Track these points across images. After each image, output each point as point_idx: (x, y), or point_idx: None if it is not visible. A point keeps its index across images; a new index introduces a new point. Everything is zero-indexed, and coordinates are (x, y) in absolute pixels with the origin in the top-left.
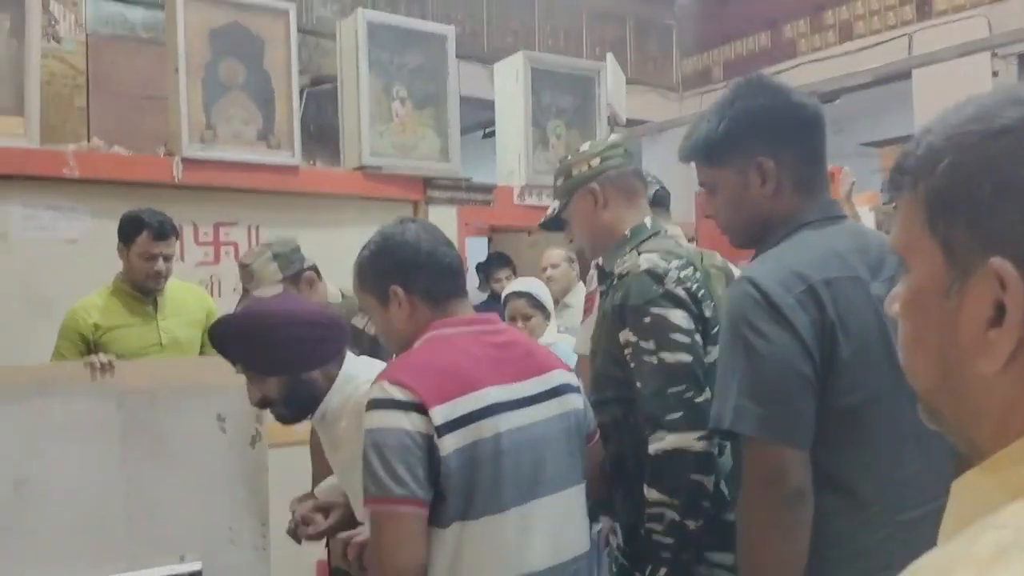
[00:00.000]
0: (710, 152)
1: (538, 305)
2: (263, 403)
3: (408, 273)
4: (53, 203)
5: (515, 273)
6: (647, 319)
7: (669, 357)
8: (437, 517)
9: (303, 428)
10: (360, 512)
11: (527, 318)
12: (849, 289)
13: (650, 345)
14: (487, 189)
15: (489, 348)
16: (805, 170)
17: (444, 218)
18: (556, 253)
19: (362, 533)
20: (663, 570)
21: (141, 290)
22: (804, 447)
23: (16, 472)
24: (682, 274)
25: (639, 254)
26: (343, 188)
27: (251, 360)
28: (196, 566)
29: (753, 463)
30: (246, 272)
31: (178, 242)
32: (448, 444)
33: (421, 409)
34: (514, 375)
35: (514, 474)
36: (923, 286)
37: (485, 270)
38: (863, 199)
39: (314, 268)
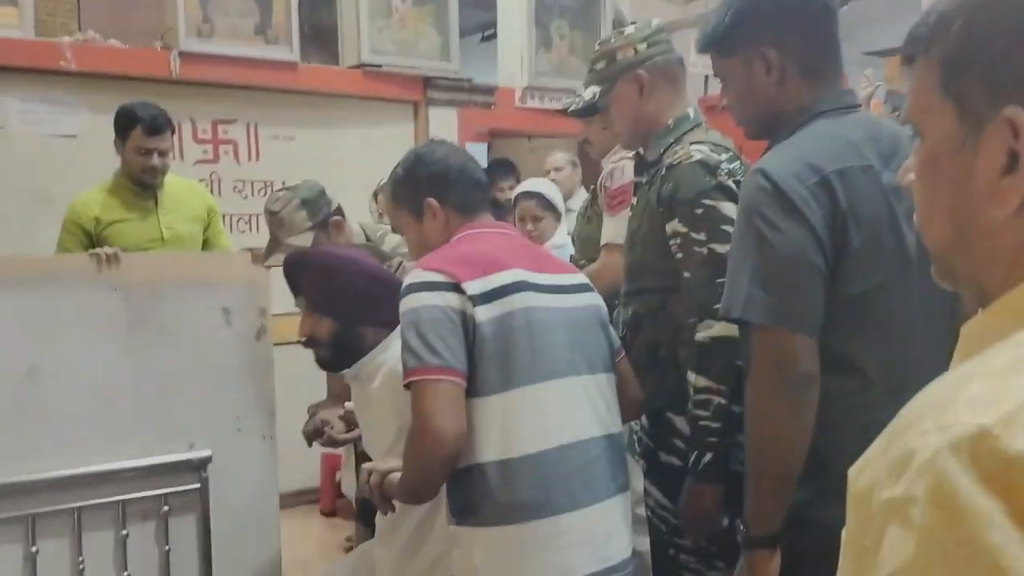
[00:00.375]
0: (718, 42)
1: (548, 206)
2: (311, 342)
3: (442, 186)
4: (50, 97)
5: (519, 181)
6: (699, 211)
7: (719, 248)
8: (479, 387)
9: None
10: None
11: (537, 220)
12: (861, 179)
13: (701, 236)
14: (488, 91)
15: (516, 244)
16: (813, 59)
17: (444, 121)
18: (560, 157)
19: (390, 463)
20: (709, 455)
21: (139, 185)
22: (813, 335)
23: (28, 359)
24: (731, 167)
25: (690, 144)
26: (342, 87)
27: (315, 296)
28: (206, 453)
29: (762, 350)
30: (275, 220)
31: (176, 139)
32: (482, 314)
33: (456, 287)
34: (541, 267)
35: (551, 348)
36: (937, 147)
37: (488, 177)
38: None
39: (339, 211)
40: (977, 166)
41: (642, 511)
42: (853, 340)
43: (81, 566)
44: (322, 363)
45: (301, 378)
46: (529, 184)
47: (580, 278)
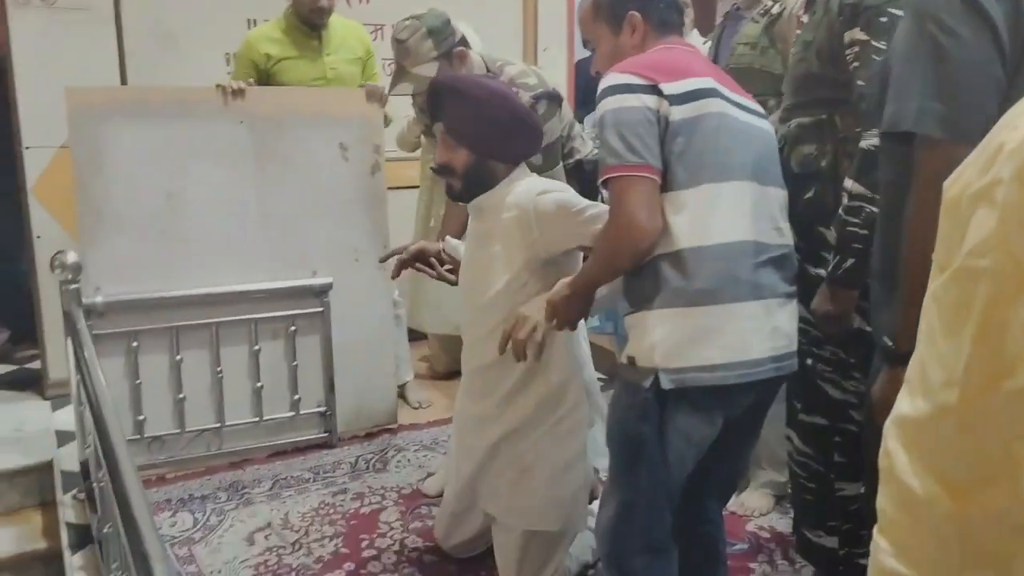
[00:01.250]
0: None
1: None
2: (443, 170)
3: (645, 1)
4: None
5: None
6: (883, 19)
7: None
8: (669, 183)
9: (414, 174)
10: (485, 306)
11: None
12: None
13: (882, 44)
14: None
15: (707, 63)
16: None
17: None
18: None
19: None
20: (851, 260)
21: (308, 24)
22: None
23: (167, 185)
24: None
25: None
26: None
27: (456, 123)
28: (328, 280)
29: (931, 164)
30: (401, 48)
31: None
32: (677, 114)
33: (654, 89)
34: (731, 87)
35: (740, 153)
36: None
37: None
38: None
39: (464, 41)
40: None
41: None
42: None
43: (220, 375)
44: (451, 192)
45: (404, 216)
46: None
47: (759, 107)
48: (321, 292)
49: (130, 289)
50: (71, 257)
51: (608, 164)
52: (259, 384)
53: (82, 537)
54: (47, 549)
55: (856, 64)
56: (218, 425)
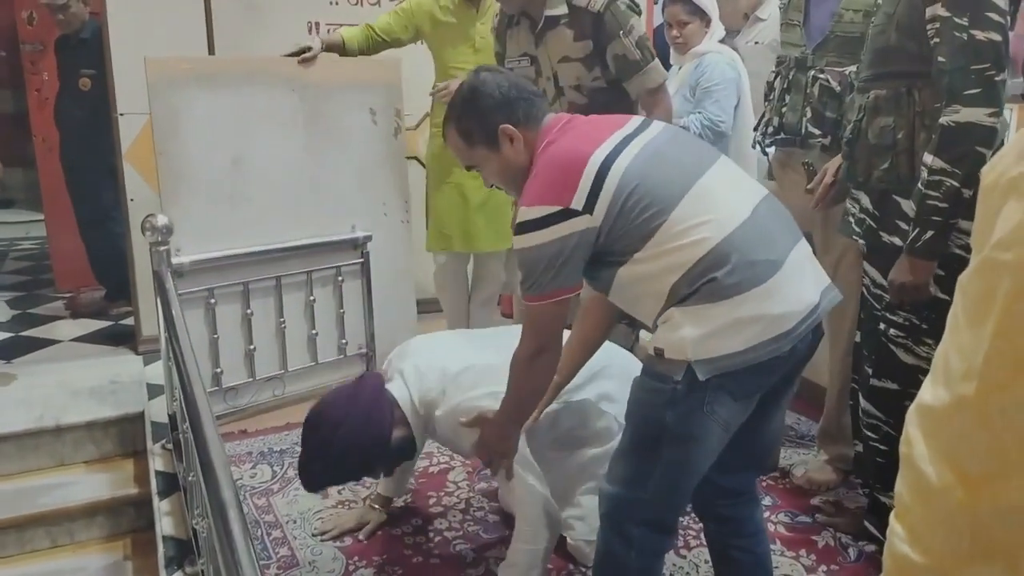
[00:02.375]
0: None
1: (695, 11)
2: None
3: (508, 109)
4: None
5: None
6: None
7: (980, 35)
8: (660, 214)
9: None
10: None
11: (683, 25)
12: None
13: (963, 21)
14: None
15: (581, 127)
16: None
17: None
18: None
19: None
20: (930, 232)
21: None
22: None
23: (233, 150)
24: None
25: None
26: None
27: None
28: (368, 232)
29: None
30: None
31: None
32: (601, 206)
33: (568, 213)
34: (607, 130)
35: (672, 169)
36: None
37: None
38: None
39: None
40: None
41: None
42: None
43: (283, 325)
44: None
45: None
46: None
47: (634, 120)
48: (362, 244)
49: (206, 249)
50: (161, 220)
51: (526, 294)
52: (314, 331)
53: (170, 484)
54: (138, 494)
55: (936, 40)
56: (282, 372)
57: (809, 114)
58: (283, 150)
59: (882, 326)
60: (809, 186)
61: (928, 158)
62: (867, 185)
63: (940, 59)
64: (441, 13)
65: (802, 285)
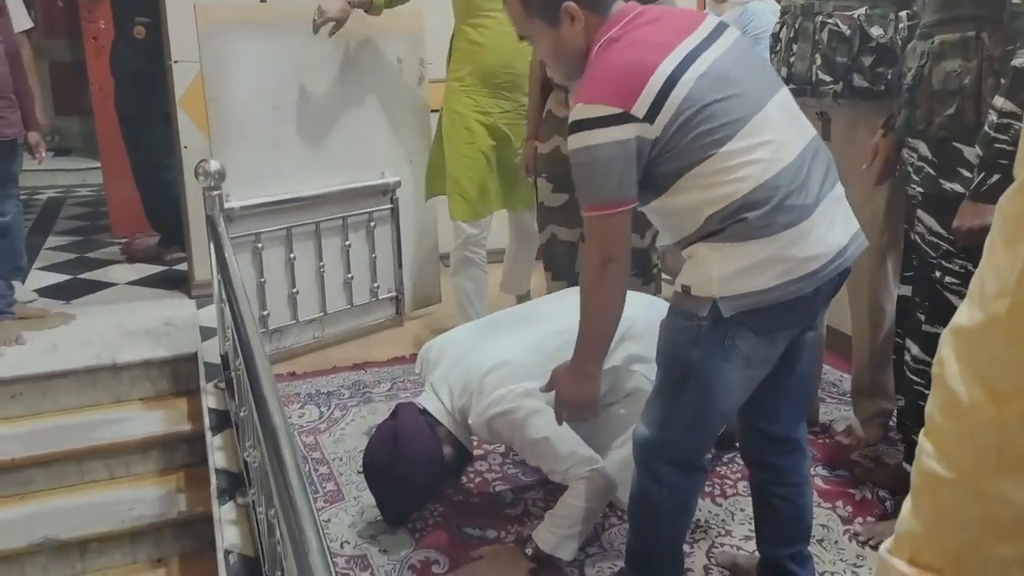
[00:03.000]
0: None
1: None
2: None
3: None
4: None
5: None
6: None
7: None
8: (716, 141)
9: (436, 100)
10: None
11: None
12: None
13: None
14: None
15: (655, 25)
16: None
17: None
18: None
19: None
20: (996, 176)
21: None
22: None
23: (274, 97)
24: None
25: None
26: None
27: None
28: (397, 178)
29: None
30: None
31: None
32: (663, 118)
33: (626, 117)
34: (685, 30)
35: (738, 90)
36: None
37: None
38: None
39: None
40: None
41: None
42: None
43: (322, 269)
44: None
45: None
46: None
47: (706, 24)
48: (392, 189)
49: (252, 195)
50: (214, 165)
51: (587, 203)
52: (349, 275)
53: (222, 420)
54: (191, 431)
55: None
56: (321, 314)
57: (819, 61)
58: (320, 97)
59: (937, 274)
60: (865, 166)
61: (999, 101)
62: (927, 132)
63: (1015, 0)
64: None
65: (831, 228)
